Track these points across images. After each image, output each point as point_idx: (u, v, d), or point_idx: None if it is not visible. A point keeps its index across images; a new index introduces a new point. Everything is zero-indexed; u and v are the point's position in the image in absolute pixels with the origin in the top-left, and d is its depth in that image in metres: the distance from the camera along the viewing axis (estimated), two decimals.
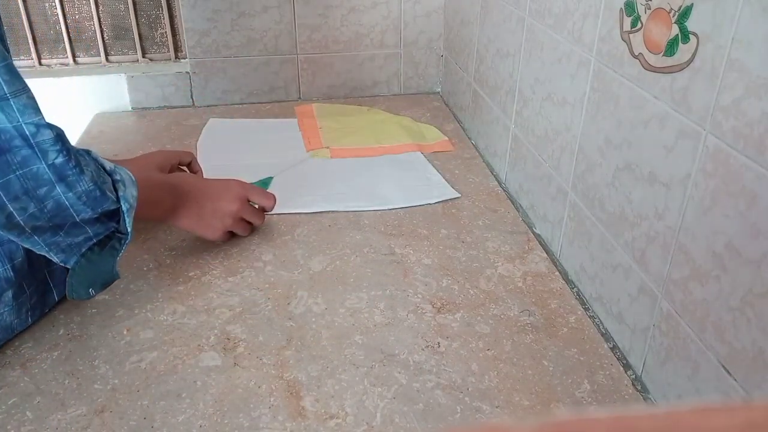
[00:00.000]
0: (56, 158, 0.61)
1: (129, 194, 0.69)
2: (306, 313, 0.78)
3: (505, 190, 1.08)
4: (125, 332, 0.75)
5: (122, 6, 1.36)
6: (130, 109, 1.40)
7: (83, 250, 0.69)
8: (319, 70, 1.45)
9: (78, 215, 0.65)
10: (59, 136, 0.62)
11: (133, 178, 0.71)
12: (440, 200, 1.03)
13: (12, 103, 0.58)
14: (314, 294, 0.81)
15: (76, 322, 0.76)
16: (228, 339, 0.74)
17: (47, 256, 0.68)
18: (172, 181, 0.83)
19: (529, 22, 0.94)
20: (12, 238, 0.64)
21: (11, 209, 0.60)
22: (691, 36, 0.57)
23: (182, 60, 1.43)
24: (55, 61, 1.39)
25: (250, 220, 0.90)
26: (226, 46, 1.38)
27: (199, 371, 0.69)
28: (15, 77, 0.58)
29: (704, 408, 0.15)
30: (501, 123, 1.10)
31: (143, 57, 1.42)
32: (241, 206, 0.87)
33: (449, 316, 0.78)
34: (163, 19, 1.39)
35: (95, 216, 0.66)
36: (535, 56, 0.93)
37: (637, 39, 0.66)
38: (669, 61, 0.61)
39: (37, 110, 0.60)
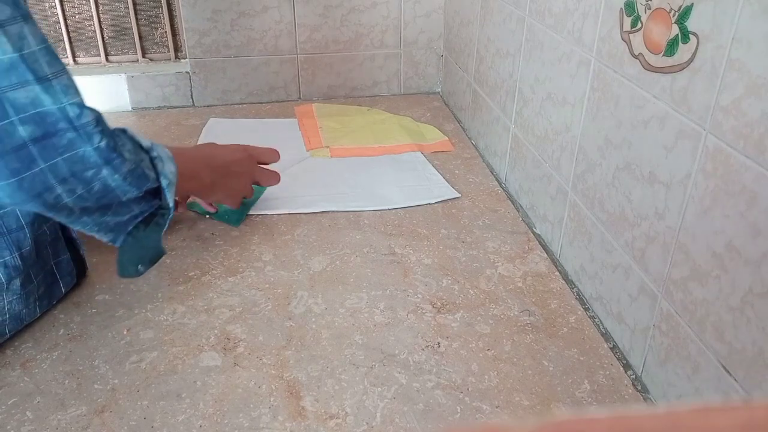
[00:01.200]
0: (100, 141, 0.61)
1: (168, 170, 0.70)
2: (306, 313, 0.78)
3: (505, 190, 1.08)
4: (125, 332, 0.75)
5: (122, 6, 1.36)
6: (130, 109, 1.40)
7: (130, 228, 0.70)
8: (319, 70, 1.45)
9: (124, 195, 0.66)
10: (99, 118, 0.62)
11: (170, 154, 0.72)
12: (440, 200, 1.03)
13: (54, 84, 0.58)
14: (314, 294, 0.81)
15: (76, 322, 0.76)
16: (228, 339, 0.74)
17: (96, 236, 0.69)
18: (204, 155, 0.87)
19: (529, 22, 0.94)
20: (61, 220, 0.64)
21: (60, 191, 0.60)
22: (691, 36, 0.57)
23: (182, 60, 1.43)
24: None
25: (264, 181, 0.95)
26: (226, 46, 1.38)
27: (199, 371, 0.69)
28: (54, 58, 0.59)
29: (704, 408, 0.15)
30: (501, 123, 1.10)
31: (143, 57, 1.42)
32: (255, 170, 0.93)
33: (449, 316, 0.78)
34: (163, 19, 1.39)
35: (140, 195, 0.68)
36: (535, 56, 0.93)
37: (637, 39, 0.66)
38: (669, 61, 0.61)
39: (77, 91, 0.60)
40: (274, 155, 0.96)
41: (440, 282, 0.84)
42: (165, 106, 1.42)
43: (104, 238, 0.69)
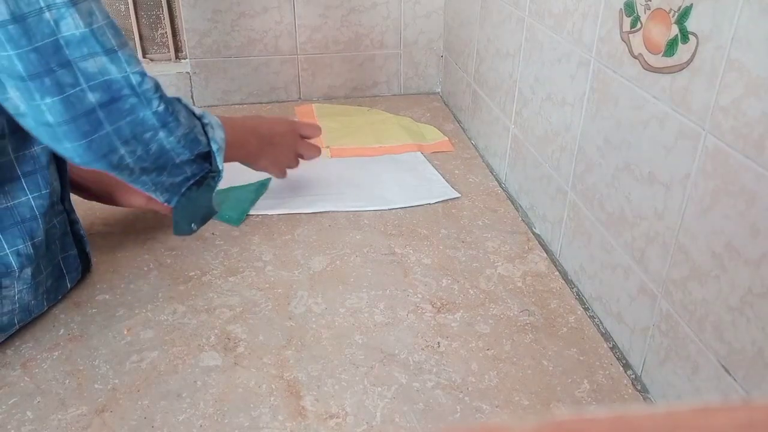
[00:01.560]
0: (158, 106, 0.66)
1: (218, 136, 0.75)
2: (306, 313, 0.78)
3: (505, 190, 1.08)
4: (125, 332, 0.75)
5: (122, 6, 1.36)
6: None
7: (183, 189, 0.75)
8: (319, 71, 1.45)
9: (178, 157, 0.71)
10: (158, 85, 0.67)
11: (220, 122, 0.77)
12: (440, 200, 1.03)
13: (119, 54, 0.63)
14: (314, 294, 0.81)
15: (76, 322, 0.76)
16: (228, 339, 0.74)
17: (153, 195, 0.74)
18: (252, 124, 0.90)
19: (529, 22, 0.94)
20: (124, 178, 0.69)
21: (123, 152, 0.65)
22: (690, 36, 0.57)
23: (182, 60, 1.43)
24: None
25: (307, 154, 0.98)
26: (226, 47, 1.38)
27: (200, 371, 0.69)
28: (118, 32, 0.64)
29: (704, 408, 0.15)
30: (501, 123, 1.10)
31: (143, 57, 1.42)
32: (298, 143, 0.96)
33: (449, 316, 0.78)
34: (164, 19, 1.39)
35: (192, 158, 0.72)
36: (535, 56, 0.93)
37: (636, 39, 0.66)
38: (669, 62, 0.61)
39: (138, 61, 0.66)
40: (315, 131, 0.99)
41: (440, 282, 0.84)
42: None
43: (161, 198, 0.74)
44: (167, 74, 1.38)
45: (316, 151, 0.99)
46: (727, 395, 0.55)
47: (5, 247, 0.69)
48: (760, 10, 0.49)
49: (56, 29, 0.58)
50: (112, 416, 0.64)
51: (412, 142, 1.22)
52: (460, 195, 1.04)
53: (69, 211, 0.79)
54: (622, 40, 0.68)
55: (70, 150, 0.63)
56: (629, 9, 0.67)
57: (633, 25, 0.66)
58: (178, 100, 0.72)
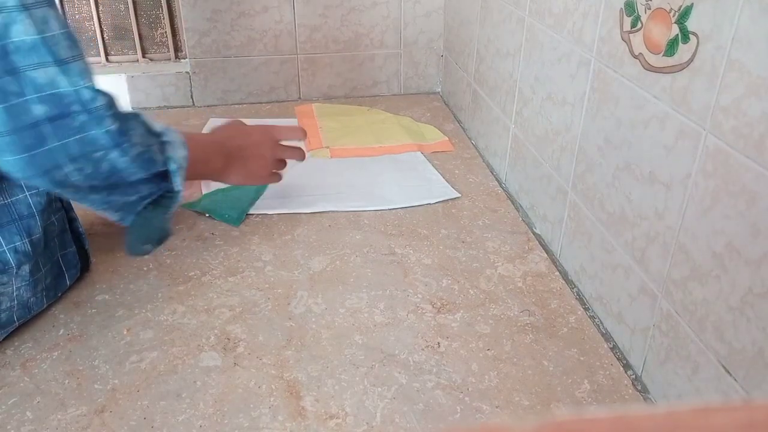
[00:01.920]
0: (111, 125, 0.63)
1: (178, 155, 0.72)
2: (306, 313, 0.78)
3: (505, 190, 1.08)
4: (125, 332, 0.75)
5: (122, 6, 1.36)
6: (130, 109, 1.40)
7: (138, 208, 0.72)
8: (319, 70, 1.45)
9: (131, 177, 0.67)
10: (111, 102, 0.64)
11: (183, 139, 0.74)
12: (440, 200, 1.03)
13: (72, 67, 0.60)
14: (314, 294, 0.81)
15: (76, 322, 0.76)
16: (228, 339, 0.74)
17: (104, 214, 0.71)
18: (219, 139, 0.87)
19: (529, 22, 0.94)
20: (69, 196, 0.67)
21: (69, 169, 0.62)
22: (691, 36, 0.57)
23: (182, 60, 1.43)
24: None
25: (289, 158, 0.93)
26: (226, 46, 1.38)
27: (199, 371, 0.69)
28: (74, 43, 0.61)
29: (704, 408, 0.15)
30: (501, 123, 1.10)
31: (143, 57, 1.42)
32: (275, 150, 0.91)
33: (449, 316, 0.78)
34: (163, 19, 1.39)
35: (147, 177, 0.69)
36: (535, 56, 0.93)
37: (637, 39, 0.66)
38: (669, 61, 0.61)
39: (91, 75, 0.62)
40: (295, 132, 0.94)
41: (440, 282, 0.84)
42: (165, 106, 1.42)
43: (113, 217, 0.71)
44: (167, 74, 1.38)
45: (299, 153, 0.94)
46: (727, 395, 0.55)
47: (2, 244, 0.69)
48: (761, 10, 0.49)
49: (4, 33, 0.56)
50: (111, 416, 0.64)
51: (412, 142, 1.22)
52: (460, 195, 1.04)
53: (67, 209, 0.79)
54: (623, 39, 0.68)
55: (10, 163, 0.59)
56: (630, 9, 0.67)
57: (633, 24, 0.66)
58: (136, 116, 0.68)
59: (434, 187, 1.06)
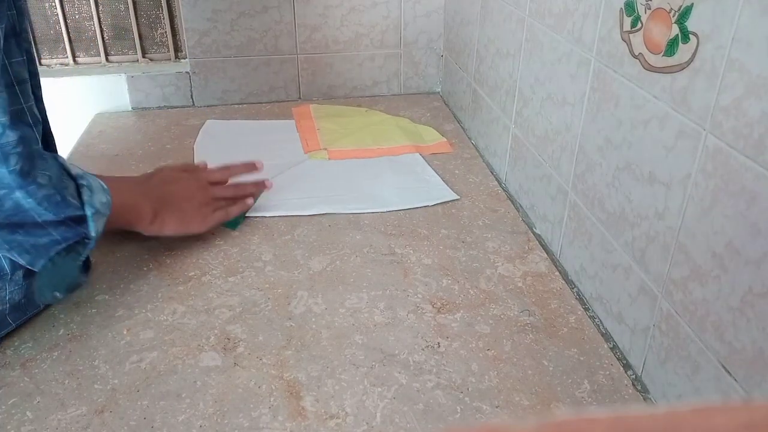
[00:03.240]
0: (16, 164, 0.61)
1: (96, 200, 0.70)
2: (306, 313, 0.78)
3: (505, 190, 1.08)
4: (125, 332, 0.75)
5: (122, 6, 1.36)
6: (130, 109, 1.40)
7: (51, 253, 0.68)
8: (319, 70, 1.45)
9: (39, 217, 0.65)
10: (22, 139, 0.62)
11: (105, 185, 0.72)
12: (439, 202, 1.02)
13: None
14: (314, 294, 0.81)
15: (76, 322, 0.76)
16: (228, 339, 0.74)
17: (12, 258, 0.68)
18: (146, 186, 0.85)
19: (529, 22, 0.94)
20: None
21: None
22: (691, 36, 0.57)
23: (182, 60, 1.43)
24: (55, 61, 1.39)
25: (224, 196, 0.92)
26: (226, 46, 1.38)
27: (199, 371, 0.69)
28: None
29: (704, 408, 0.15)
30: (501, 123, 1.10)
31: (143, 57, 1.42)
32: (207, 190, 0.90)
33: (449, 316, 0.78)
34: (163, 18, 1.39)
35: (58, 220, 0.66)
36: (535, 56, 0.93)
37: (637, 39, 0.66)
38: (669, 61, 0.61)
39: (4, 110, 0.60)
40: (224, 172, 0.94)
41: (440, 282, 0.84)
42: (165, 106, 1.42)
43: (21, 260, 0.68)
44: (167, 74, 1.39)
45: (231, 191, 0.93)
46: (727, 395, 0.55)
47: None
48: (761, 10, 0.49)
49: None
50: (111, 416, 0.64)
51: (410, 143, 1.21)
52: (459, 197, 1.04)
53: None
54: (623, 39, 0.68)
55: None
56: (630, 9, 0.67)
57: (633, 24, 0.66)
58: (53, 157, 0.67)
59: (433, 189, 1.06)
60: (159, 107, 1.41)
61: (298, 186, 1.06)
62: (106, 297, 0.80)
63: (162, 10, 1.38)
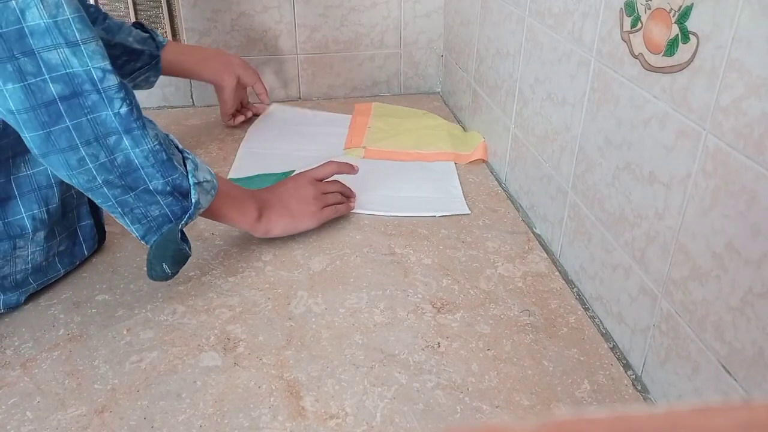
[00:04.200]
0: (121, 107, 0.65)
1: (200, 175, 0.74)
2: (306, 313, 0.78)
3: (505, 190, 1.08)
4: (125, 332, 0.75)
5: (122, 6, 1.36)
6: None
7: (163, 230, 0.72)
8: (319, 70, 1.45)
9: (150, 181, 0.69)
10: (123, 84, 0.66)
11: (209, 169, 0.77)
12: (449, 214, 0.99)
13: (83, 48, 0.63)
14: (314, 294, 0.81)
15: (76, 322, 0.76)
16: (228, 339, 0.74)
17: (124, 225, 0.72)
18: (251, 190, 0.87)
19: (529, 22, 0.94)
20: (81, 186, 0.67)
21: (84, 153, 0.65)
22: (691, 36, 0.57)
23: None
24: None
25: (332, 190, 0.94)
26: (225, 46, 1.38)
27: (199, 371, 0.69)
28: (86, 26, 0.63)
29: (704, 408, 0.15)
30: (501, 123, 1.10)
31: None
32: (316, 186, 0.92)
33: (449, 316, 0.78)
34: (163, 18, 1.39)
35: (167, 188, 0.70)
36: (535, 56, 0.93)
37: (637, 39, 0.66)
38: (669, 61, 0.61)
39: (104, 57, 0.65)
40: (330, 168, 0.95)
41: (440, 282, 0.84)
42: (165, 105, 1.42)
43: (134, 231, 0.72)
44: None
45: (338, 186, 0.95)
46: (727, 395, 0.55)
47: (22, 211, 0.74)
48: (761, 10, 0.49)
49: (21, 18, 0.59)
50: (111, 416, 0.64)
51: (450, 150, 1.17)
52: (470, 212, 1.00)
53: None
54: (623, 39, 0.68)
55: (30, 140, 0.63)
56: (630, 8, 0.67)
57: (633, 24, 0.66)
58: (167, 136, 0.72)
59: (448, 201, 1.03)
60: (159, 107, 1.41)
61: None
62: (106, 297, 0.80)
63: (162, 10, 1.38)
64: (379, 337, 0.74)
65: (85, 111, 0.63)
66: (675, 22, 0.59)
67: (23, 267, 0.76)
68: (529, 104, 0.97)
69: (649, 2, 0.63)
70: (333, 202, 0.93)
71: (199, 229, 0.95)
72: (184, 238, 0.75)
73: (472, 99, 1.26)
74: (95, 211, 0.86)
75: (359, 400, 0.66)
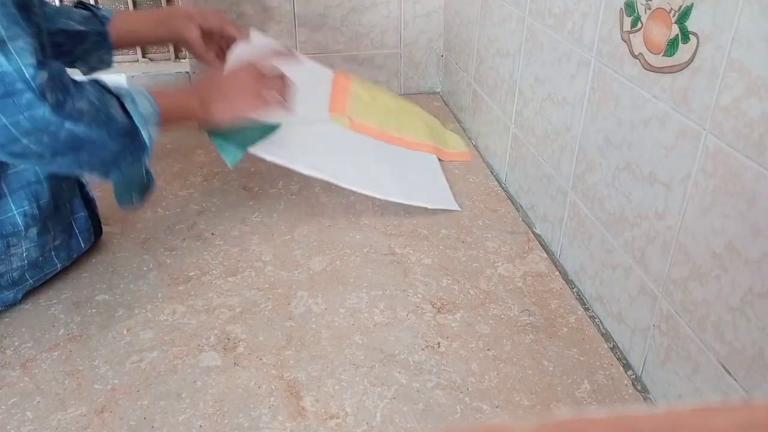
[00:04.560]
0: (54, 101, 0.64)
1: (141, 108, 0.73)
2: (306, 313, 0.78)
3: (505, 190, 1.08)
4: (125, 332, 0.75)
5: (122, 6, 1.36)
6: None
7: (120, 163, 0.73)
8: None
9: (93, 138, 0.68)
10: (56, 73, 0.65)
11: (148, 95, 0.76)
12: (438, 208, 1.00)
13: (10, 47, 0.61)
14: (314, 294, 0.81)
15: (76, 322, 0.76)
16: (228, 339, 0.74)
17: (86, 175, 0.74)
18: (193, 86, 0.88)
19: (529, 22, 0.94)
20: (36, 165, 0.68)
21: (25, 142, 0.64)
22: (691, 36, 0.57)
23: (182, 60, 1.43)
24: None
25: (272, 87, 0.89)
26: None
27: (199, 371, 0.69)
28: (12, 23, 0.62)
29: (704, 408, 0.15)
30: (501, 123, 1.10)
31: (143, 57, 1.42)
32: (254, 70, 0.88)
33: (449, 316, 0.78)
34: None
35: (112, 135, 0.70)
36: (535, 56, 0.93)
37: (637, 39, 0.66)
38: (669, 61, 0.61)
39: (33, 53, 0.63)
40: (266, 53, 0.94)
41: (440, 282, 0.84)
42: None
43: (96, 176, 0.73)
44: (167, 74, 1.38)
45: (280, 82, 0.89)
46: (727, 395, 0.55)
47: (13, 208, 0.74)
48: (760, 10, 0.49)
49: None
50: (111, 416, 0.64)
51: (431, 143, 1.16)
52: (460, 209, 1.01)
53: (78, 175, 0.83)
54: (623, 39, 0.68)
55: None
56: (630, 9, 0.67)
57: (633, 24, 0.66)
58: (91, 82, 0.71)
59: (436, 193, 1.03)
60: None
61: (308, 142, 0.99)
62: (106, 297, 0.80)
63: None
64: (379, 337, 0.74)
65: (21, 108, 0.62)
66: (675, 22, 0.59)
67: (19, 264, 0.76)
68: (529, 104, 0.97)
69: (649, 2, 0.63)
70: (274, 88, 0.89)
71: (199, 228, 0.95)
72: (147, 171, 0.78)
73: (472, 99, 1.26)
74: (89, 203, 0.86)
75: (359, 400, 0.66)
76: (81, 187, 0.85)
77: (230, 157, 0.88)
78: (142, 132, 0.73)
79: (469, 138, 1.27)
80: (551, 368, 0.70)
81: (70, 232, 0.83)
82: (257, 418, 0.64)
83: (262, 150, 0.91)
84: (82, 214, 0.84)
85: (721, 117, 0.54)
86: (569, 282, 0.85)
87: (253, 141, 0.91)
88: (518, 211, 1.01)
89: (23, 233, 0.76)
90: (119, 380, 0.68)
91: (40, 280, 0.80)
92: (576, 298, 0.81)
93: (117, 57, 1.40)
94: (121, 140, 0.72)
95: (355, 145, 1.05)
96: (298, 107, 0.99)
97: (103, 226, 0.90)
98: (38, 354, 0.71)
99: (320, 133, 1.02)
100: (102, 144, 0.70)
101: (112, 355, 0.71)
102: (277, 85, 0.90)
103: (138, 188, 0.80)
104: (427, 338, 0.74)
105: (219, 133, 0.90)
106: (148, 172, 0.79)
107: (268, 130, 0.93)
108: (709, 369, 0.58)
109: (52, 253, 0.80)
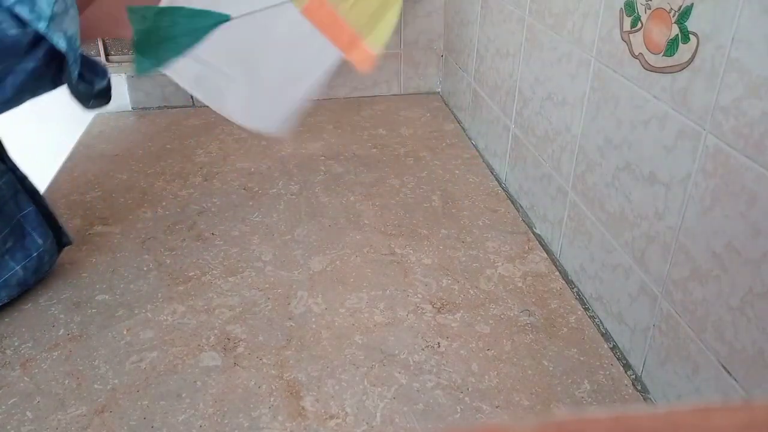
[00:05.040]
0: None
1: (42, 6, 0.64)
2: (306, 313, 0.78)
3: (505, 190, 1.08)
4: (125, 332, 0.75)
5: None
6: (130, 108, 1.40)
7: (49, 79, 0.69)
8: None
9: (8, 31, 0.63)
10: None
11: None
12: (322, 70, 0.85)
13: None
14: (314, 294, 0.81)
15: (75, 323, 0.76)
16: (228, 339, 0.74)
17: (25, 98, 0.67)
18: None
19: (529, 22, 0.94)
20: None
21: None
22: (691, 36, 0.57)
23: None
24: None
25: None
26: None
27: (199, 371, 0.69)
28: None
29: (704, 408, 0.15)
30: (501, 123, 1.10)
31: None
32: None
33: (449, 316, 0.78)
34: None
35: (20, 47, 0.65)
36: (535, 56, 0.93)
37: (637, 39, 0.66)
38: (669, 61, 0.61)
39: None
40: None
41: (440, 282, 0.84)
42: (165, 106, 1.42)
43: (34, 95, 0.69)
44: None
45: None
46: (727, 395, 0.55)
47: None
48: (760, 10, 0.49)
49: None
50: (111, 416, 0.64)
51: (356, 32, 0.90)
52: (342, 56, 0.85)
53: (13, 169, 0.78)
54: (623, 39, 0.68)
55: None
56: (630, 9, 0.67)
57: (633, 24, 0.66)
58: None
59: (272, 117, 0.87)
60: (159, 107, 1.41)
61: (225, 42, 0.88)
62: (106, 297, 0.80)
63: None
64: (379, 337, 0.74)
65: None
66: (675, 22, 0.59)
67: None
68: (529, 104, 0.97)
69: (649, 2, 0.63)
70: None
71: (199, 229, 0.95)
72: (86, 78, 0.71)
73: (472, 99, 1.26)
74: (34, 195, 0.80)
75: (359, 400, 0.66)
76: (22, 180, 0.79)
77: (140, 67, 0.84)
78: (53, 35, 0.64)
79: (469, 138, 1.27)
80: (551, 368, 0.70)
81: (21, 231, 0.78)
82: (257, 418, 0.64)
83: (174, 72, 0.85)
84: (30, 208, 0.79)
85: (721, 117, 0.54)
86: (569, 282, 0.85)
87: (188, 45, 0.85)
88: (518, 211, 1.01)
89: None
90: (119, 380, 0.68)
91: (1, 286, 0.75)
92: (576, 298, 0.81)
93: (117, 57, 1.40)
94: (36, 50, 0.64)
95: (284, 29, 0.91)
96: None
97: (101, 229, 0.89)
98: (38, 354, 0.71)
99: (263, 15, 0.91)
100: (11, 52, 0.63)
101: (112, 355, 0.71)
102: None
103: (90, 95, 0.72)
104: (427, 338, 0.74)
105: (146, 40, 0.84)
106: (86, 80, 0.71)
107: (217, 19, 0.87)
108: (709, 369, 0.58)
109: (7, 256, 0.76)
